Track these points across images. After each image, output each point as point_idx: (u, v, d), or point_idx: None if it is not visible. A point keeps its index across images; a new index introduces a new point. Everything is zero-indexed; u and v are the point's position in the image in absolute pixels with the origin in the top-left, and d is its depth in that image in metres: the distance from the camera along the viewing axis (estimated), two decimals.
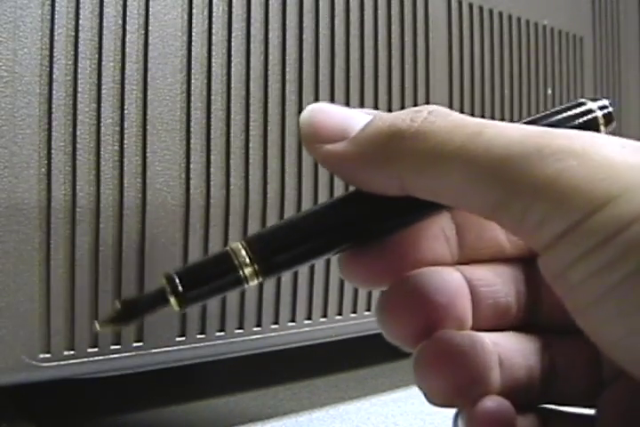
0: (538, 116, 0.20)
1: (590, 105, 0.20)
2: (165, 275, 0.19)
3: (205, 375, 0.40)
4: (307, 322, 0.35)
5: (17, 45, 0.26)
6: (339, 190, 0.36)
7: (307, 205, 0.34)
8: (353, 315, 0.37)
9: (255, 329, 0.33)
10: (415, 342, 0.19)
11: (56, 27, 0.27)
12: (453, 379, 0.19)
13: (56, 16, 0.27)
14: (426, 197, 0.17)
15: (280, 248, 0.19)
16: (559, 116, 0.20)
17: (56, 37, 0.27)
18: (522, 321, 0.21)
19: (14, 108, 0.26)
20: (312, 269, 0.35)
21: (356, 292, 0.37)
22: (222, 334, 0.32)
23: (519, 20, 0.44)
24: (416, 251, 0.20)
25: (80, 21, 0.27)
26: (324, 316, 0.36)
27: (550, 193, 0.15)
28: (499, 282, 0.20)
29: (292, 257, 0.19)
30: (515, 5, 0.44)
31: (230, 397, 0.37)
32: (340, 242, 0.19)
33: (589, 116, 0.20)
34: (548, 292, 0.20)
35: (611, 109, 0.20)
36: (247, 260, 0.18)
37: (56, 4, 0.27)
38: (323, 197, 0.35)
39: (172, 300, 0.19)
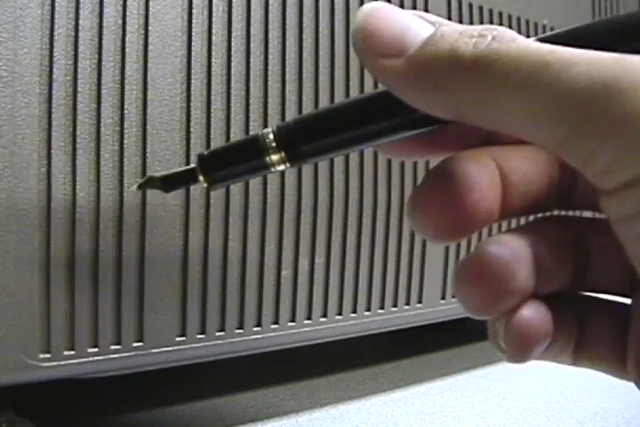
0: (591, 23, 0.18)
1: None
2: (198, 155, 0.20)
3: (205, 375, 0.40)
4: (307, 322, 0.35)
5: (17, 45, 0.26)
6: (338, 192, 0.36)
7: (306, 204, 0.34)
8: (353, 315, 0.37)
9: (255, 329, 0.33)
10: (442, 236, 0.19)
11: (56, 27, 0.27)
12: (493, 293, 0.18)
13: (56, 16, 0.27)
14: (483, 126, 0.17)
15: (306, 137, 0.19)
16: (615, 22, 0.17)
17: (56, 37, 0.27)
18: (554, 206, 0.21)
19: (14, 108, 0.26)
20: (312, 268, 0.35)
21: (356, 292, 0.37)
22: (222, 334, 0.32)
23: (519, 19, 0.44)
24: (443, 133, 0.20)
25: (80, 21, 0.27)
26: (324, 316, 0.36)
27: (620, 136, 0.14)
28: (531, 169, 0.20)
29: (318, 147, 0.19)
30: (515, 5, 0.44)
31: (230, 397, 0.37)
32: (369, 137, 0.19)
33: None
34: (583, 177, 0.20)
35: None
36: (273, 145, 0.19)
37: (56, 4, 0.27)
38: (322, 198, 0.35)
39: (202, 178, 0.20)
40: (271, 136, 0.19)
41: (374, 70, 0.17)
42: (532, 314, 0.19)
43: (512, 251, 0.19)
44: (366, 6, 0.17)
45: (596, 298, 0.21)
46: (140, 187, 0.22)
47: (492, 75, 0.15)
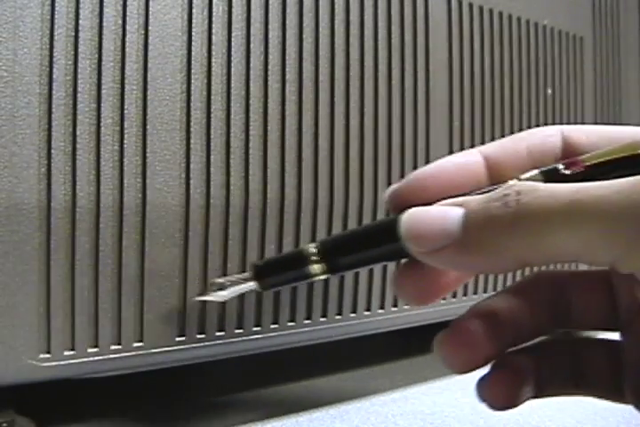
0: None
1: None
2: (253, 264, 0.25)
3: (205, 375, 0.40)
4: (306, 322, 0.35)
5: (17, 45, 0.26)
6: (339, 191, 0.36)
7: (306, 204, 0.34)
8: (353, 315, 0.37)
9: (255, 329, 0.33)
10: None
11: (56, 27, 0.27)
12: (469, 361, 0.22)
13: (56, 16, 0.27)
14: (545, 264, 0.19)
15: (344, 252, 0.22)
16: None
17: (56, 37, 0.27)
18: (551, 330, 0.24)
19: (14, 108, 0.26)
20: None
21: (356, 292, 0.37)
22: (222, 334, 0.32)
23: (519, 19, 0.44)
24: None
25: (80, 21, 0.27)
26: (324, 316, 0.36)
27: None
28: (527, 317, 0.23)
29: (353, 261, 0.22)
30: (515, 5, 0.44)
31: (230, 397, 0.37)
32: (391, 257, 0.22)
33: None
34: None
35: None
36: (316, 257, 0.22)
37: (56, 4, 0.27)
38: (322, 197, 0.35)
39: (256, 284, 0.24)
40: (314, 250, 0.22)
41: (435, 263, 0.19)
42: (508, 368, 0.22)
43: (489, 322, 0.21)
44: (406, 216, 0.20)
45: (589, 339, 0.23)
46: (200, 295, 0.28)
47: (533, 226, 0.17)
